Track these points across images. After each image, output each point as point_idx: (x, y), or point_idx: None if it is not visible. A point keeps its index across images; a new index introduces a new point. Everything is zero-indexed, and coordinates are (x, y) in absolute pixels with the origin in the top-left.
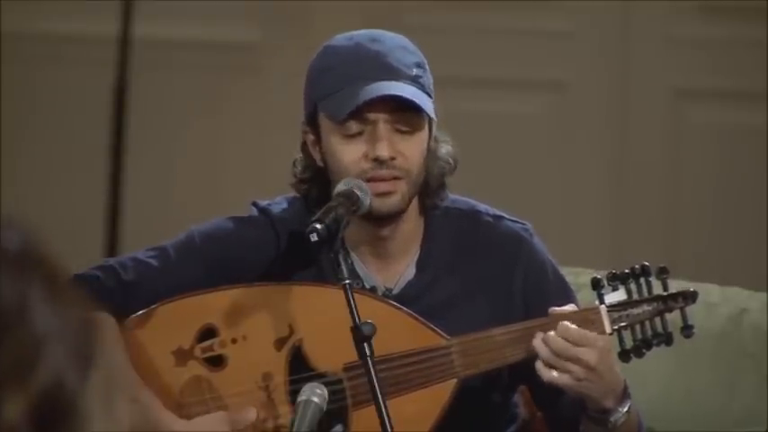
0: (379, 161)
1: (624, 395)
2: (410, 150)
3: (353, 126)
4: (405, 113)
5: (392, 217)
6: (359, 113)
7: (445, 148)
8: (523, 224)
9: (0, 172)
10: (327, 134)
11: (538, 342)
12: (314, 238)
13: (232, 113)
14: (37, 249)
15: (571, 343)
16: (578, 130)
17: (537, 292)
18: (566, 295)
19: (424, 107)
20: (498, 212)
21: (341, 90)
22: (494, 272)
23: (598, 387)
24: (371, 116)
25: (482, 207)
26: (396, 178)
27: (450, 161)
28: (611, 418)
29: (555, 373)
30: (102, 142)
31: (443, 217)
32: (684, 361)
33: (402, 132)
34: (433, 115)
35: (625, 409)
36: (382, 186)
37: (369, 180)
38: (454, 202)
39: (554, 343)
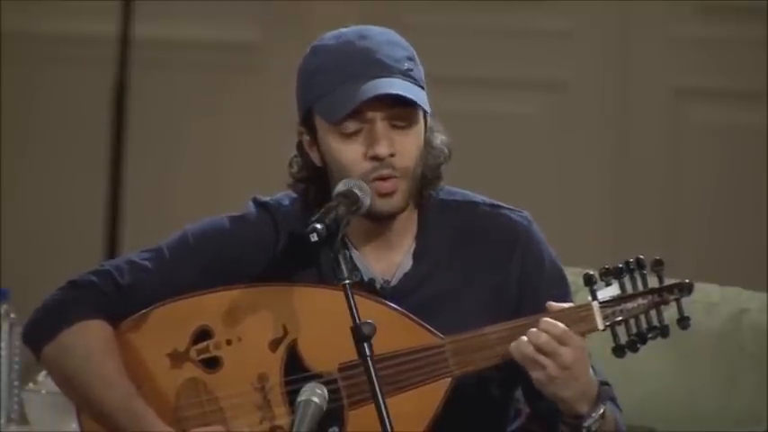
0: (378, 159)
1: (598, 399)
2: (408, 146)
3: (351, 125)
4: (401, 109)
5: (393, 215)
6: (356, 112)
7: (439, 138)
8: (521, 212)
9: (0, 172)
10: (324, 135)
11: (523, 338)
12: (314, 238)
13: (232, 113)
14: None
15: (553, 338)
16: (578, 130)
17: (532, 281)
18: (560, 286)
19: (420, 102)
20: (496, 202)
21: (335, 90)
22: (492, 261)
23: (571, 388)
24: (369, 114)
25: (479, 198)
26: (396, 177)
27: (446, 150)
28: (585, 424)
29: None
30: (102, 142)
31: (439, 208)
32: (684, 361)
33: (399, 128)
34: (428, 108)
35: (599, 414)
36: (385, 186)
37: (373, 180)
38: (451, 194)
39: (537, 338)
